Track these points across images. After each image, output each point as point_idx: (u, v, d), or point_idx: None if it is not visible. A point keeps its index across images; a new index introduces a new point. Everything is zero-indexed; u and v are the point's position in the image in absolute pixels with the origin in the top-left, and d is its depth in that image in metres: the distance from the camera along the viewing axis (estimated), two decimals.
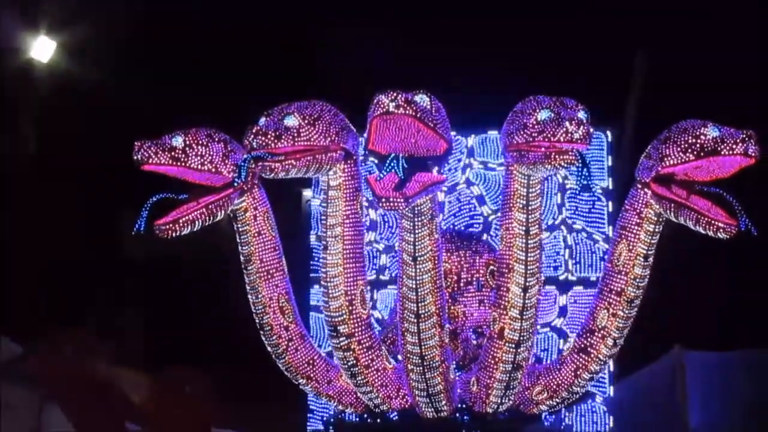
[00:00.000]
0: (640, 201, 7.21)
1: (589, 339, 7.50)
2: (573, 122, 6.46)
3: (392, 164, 6.50)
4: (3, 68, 10.78)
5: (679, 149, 6.86)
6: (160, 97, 11.13)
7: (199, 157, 7.01)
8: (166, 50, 11.35)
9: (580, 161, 6.50)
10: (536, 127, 6.60)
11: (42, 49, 11.01)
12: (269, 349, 7.59)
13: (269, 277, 7.44)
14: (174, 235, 6.99)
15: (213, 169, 7.04)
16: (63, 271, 11.24)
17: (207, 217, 7.07)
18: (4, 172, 11.09)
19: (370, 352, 7.37)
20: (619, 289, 7.33)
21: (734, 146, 6.67)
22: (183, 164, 7.00)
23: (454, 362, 7.60)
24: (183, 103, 10.91)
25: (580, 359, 7.53)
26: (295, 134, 6.69)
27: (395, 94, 6.34)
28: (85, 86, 11.17)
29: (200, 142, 7.06)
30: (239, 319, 7.77)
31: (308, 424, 8.45)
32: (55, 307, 10.88)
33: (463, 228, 8.44)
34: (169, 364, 7.67)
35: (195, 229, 7.07)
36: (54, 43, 11.06)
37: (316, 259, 8.09)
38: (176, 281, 11.22)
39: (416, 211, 6.78)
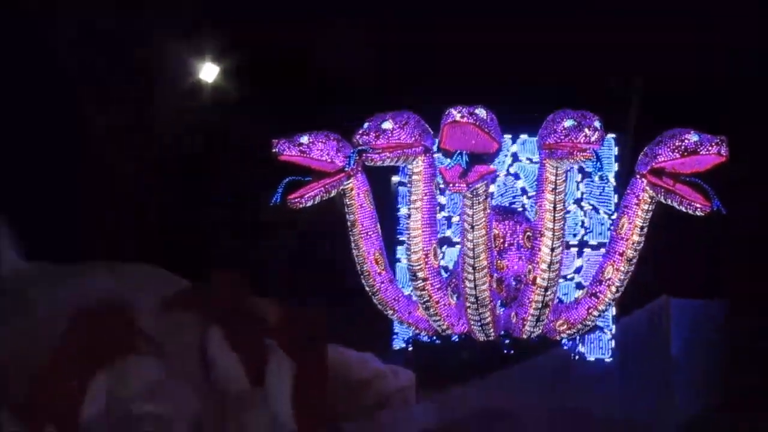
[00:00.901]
0: (638, 187, 7.39)
1: (598, 287, 7.70)
2: (590, 129, 6.73)
3: (458, 159, 6.76)
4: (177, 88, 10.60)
5: (668, 150, 7.07)
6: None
7: (319, 151, 7.30)
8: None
9: (595, 157, 6.74)
10: (563, 131, 6.85)
11: (208, 72, 10.73)
12: (367, 289, 7.83)
13: (367, 237, 7.65)
14: (301, 206, 7.30)
15: (329, 160, 7.34)
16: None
17: (324, 194, 7.39)
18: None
19: (439, 292, 7.60)
20: (621, 251, 7.52)
21: (710, 148, 6.87)
22: (307, 156, 7.30)
23: (499, 301, 7.84)
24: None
25: (591, 301, 7.73)
26: (390, 135, 7.01)
27: (461, 108, 6.61)
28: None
29: (320, 140, 7.32)
30: (348, 268, 7.91)
31: (393, 342, 8.50)
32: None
33: (507, 204, 8.45)
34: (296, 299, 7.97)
35: (316, 202, 7.35)
36: (217, 68, 10.75)
37: (401, 225, 8.09)
38: (300, 240, 10.75)
39: (474, 193, 6.99)
